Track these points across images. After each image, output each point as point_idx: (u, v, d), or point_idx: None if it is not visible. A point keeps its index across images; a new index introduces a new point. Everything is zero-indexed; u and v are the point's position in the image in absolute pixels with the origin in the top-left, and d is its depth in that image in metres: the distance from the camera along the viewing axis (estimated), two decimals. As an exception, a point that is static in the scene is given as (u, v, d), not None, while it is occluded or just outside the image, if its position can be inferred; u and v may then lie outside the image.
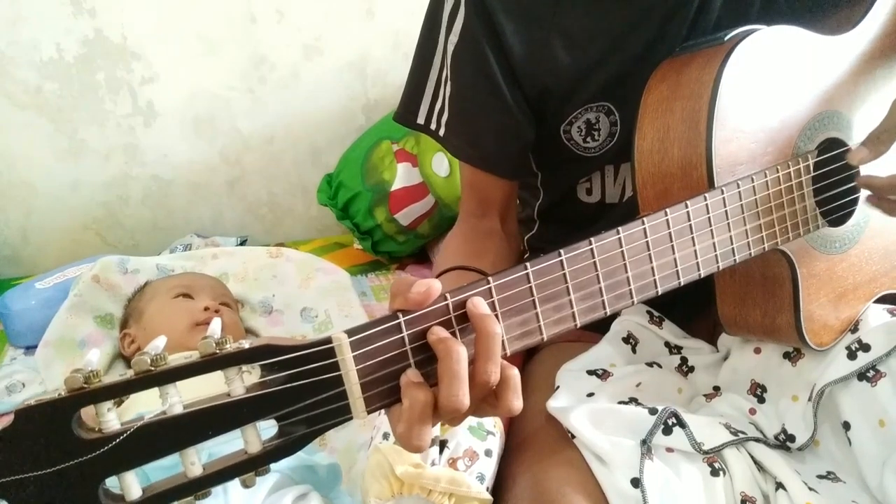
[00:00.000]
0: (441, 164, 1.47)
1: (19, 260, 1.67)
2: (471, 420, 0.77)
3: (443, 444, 0.75)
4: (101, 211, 1.67)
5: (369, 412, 0.43)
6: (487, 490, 0.73)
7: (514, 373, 0.47)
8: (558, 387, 0.77)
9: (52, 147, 1.58)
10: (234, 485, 0.75)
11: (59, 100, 1.55)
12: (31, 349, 1.24)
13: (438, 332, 0.45)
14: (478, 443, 0.75)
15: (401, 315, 0.44)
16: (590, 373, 0.79)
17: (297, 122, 1.69)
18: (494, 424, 0.78)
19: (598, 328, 0.85)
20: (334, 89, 1.68)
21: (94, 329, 1.18)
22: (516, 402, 0.47)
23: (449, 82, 0.81)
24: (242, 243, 1.63)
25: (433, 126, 0.85)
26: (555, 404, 0.74)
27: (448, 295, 0.46)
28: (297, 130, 1.70)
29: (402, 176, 1.49)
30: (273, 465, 0.82)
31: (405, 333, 0.44)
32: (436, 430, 0.76)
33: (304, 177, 1.75)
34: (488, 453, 0.75)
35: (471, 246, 0.83)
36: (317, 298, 1.27)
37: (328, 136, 1.72)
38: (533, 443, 0.76)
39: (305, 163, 1.74)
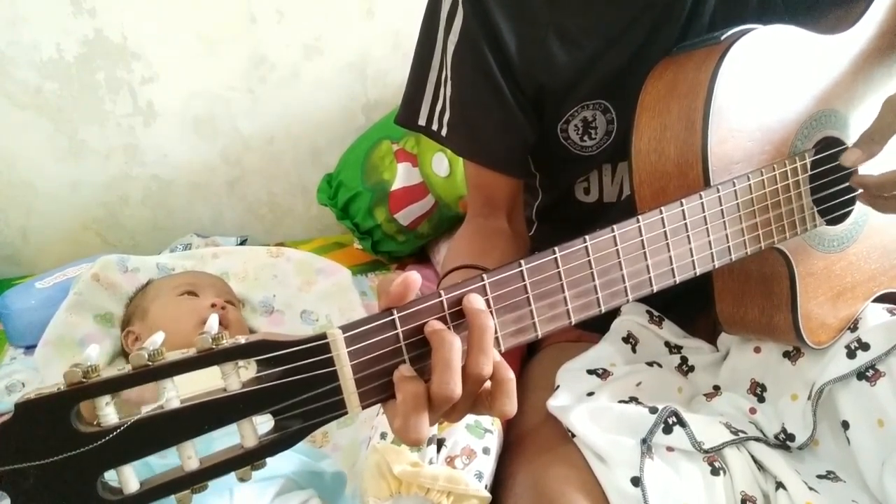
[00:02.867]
0: (441, 163, 1.47)
1: (19, 260, 1.67)
2: (468, 418, 0.77)
3: (440, 443, 0.75)
4: (101, 211, 1.67)
5: (364, 407, 0.44)
6: (486, 488, 0.73)
7: (510, 377, 0.47)
8: (558, 386, 0.78)
9: (52, 147, 1.58)
10: (240, 490, 0.76)
11: (59, 100, 1.55)
12: (31, 349, 1.23)
13: (434, 325, 0.45)
14: (475, 441, 0.76)
15: (395, 311, 0.45)
16: (590, 372, 0.79)
17: (297, 122, 1.69)
18: (492, 422, 0.78)
19: (598, 328, 0.86)
20: (334, 89, 1.68)
21: (94, 328, 1.18)
22: (508, 406, 0.47)
23: (449, 82, 0.81)
24: (242, 243, 1.62)
25: (434, 127, 0.85)
26: (555, 403, 0.75)
27: (442, 292, 0.46)
28: (297, 130, 1.70)
29: (402, 176, 1.48)
30: (279, 470, 0.82)
31: (399, 330, 0.45)
32: (433, 430, 0.76)
33: (304, 177, 1.75)
34: (486, 451, 0.75)
35: (477, 245, 0.83)
36: (317, 302, 1.26)
37: (328, 136, 1.72)
38: (533, 442, 0.76)
39: (305, 163, 1.74)
